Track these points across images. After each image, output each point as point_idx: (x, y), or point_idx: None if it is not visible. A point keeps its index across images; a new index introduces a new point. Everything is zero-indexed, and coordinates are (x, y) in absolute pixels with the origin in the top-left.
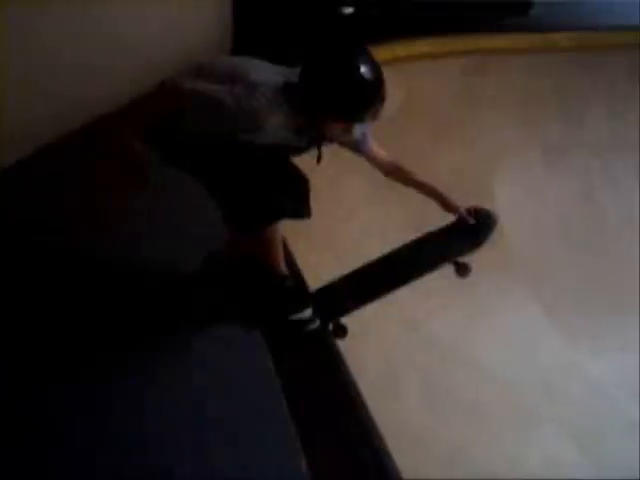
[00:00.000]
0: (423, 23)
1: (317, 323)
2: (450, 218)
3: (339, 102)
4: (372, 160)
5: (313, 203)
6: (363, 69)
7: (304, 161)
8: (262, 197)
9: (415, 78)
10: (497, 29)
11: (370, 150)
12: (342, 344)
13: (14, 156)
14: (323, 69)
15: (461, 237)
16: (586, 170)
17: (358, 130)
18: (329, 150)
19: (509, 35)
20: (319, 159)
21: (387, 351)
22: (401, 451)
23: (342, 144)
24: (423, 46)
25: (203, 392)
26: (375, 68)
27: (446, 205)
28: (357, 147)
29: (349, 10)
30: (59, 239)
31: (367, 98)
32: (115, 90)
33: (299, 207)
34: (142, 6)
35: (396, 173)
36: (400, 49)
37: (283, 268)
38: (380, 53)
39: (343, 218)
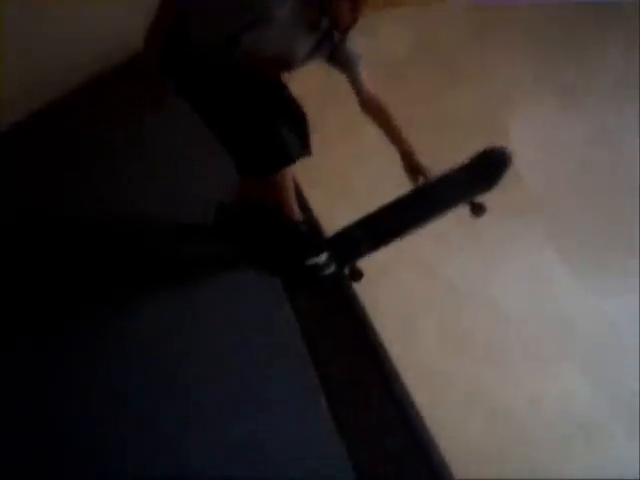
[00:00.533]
0: None
1: (333, 267)
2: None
3: None
4: (359, 85)
5: (328, 149)
6: None
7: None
8: (269, 142)
9: (425, 17)
10: None
11: (361, 73)
12: (359, 288)
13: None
14: None
15: (475, 176)
16: (602, 111)
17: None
18: (340, 93)
19: None
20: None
21: (403, 295)
22: (420, 390)
23: (339, 63)
24: None
25: (222, 340)
26: None
27: (412, 163)
28: (353, 62)
29: None
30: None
31: None
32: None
33: (304, 146)
34: None
35: (374, 107)
36: None
37: (297, 213)
38: None
39: (357, 164)
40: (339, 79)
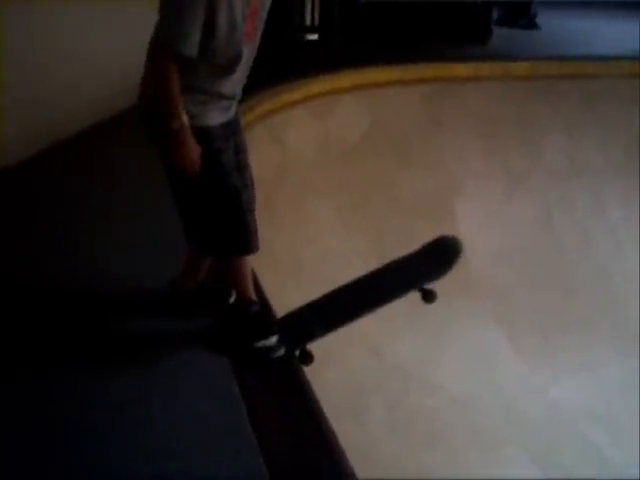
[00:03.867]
0: (384, 52)
1: (283, 350)
2: (411, 243)
3: None
4: None
5: (278, 230)
6: None
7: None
8: (241, 231)
9: (378, 105)
10: (457, 58)
11: None
12: (307, 368)
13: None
14: None
15: (427, 264)
16: (545, 195)
17: None
18: (294, 175)
19: (469, 64)
20: None
21: (351, 375)
22: (365, 475)
23: None
24: (385, 74)
25: (166, 418)
26: None
27: None
28: None
29: (314, 36)
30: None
31: None
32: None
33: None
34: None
35: None
36: (362, 77)
37: (251, 294)
38: (344, 81)
39: (307, 242)
40: (290, 163)
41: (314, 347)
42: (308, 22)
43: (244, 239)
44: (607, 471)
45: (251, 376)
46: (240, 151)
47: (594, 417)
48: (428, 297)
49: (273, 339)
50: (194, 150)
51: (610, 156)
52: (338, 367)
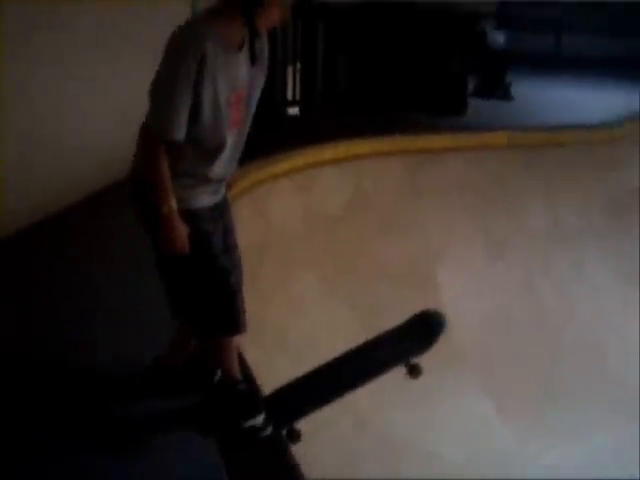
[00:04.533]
0: (364, 124)
1: (270, 430)
2: (399, 319)
3: None
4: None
5: (263, 302)
6: None
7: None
8: (229, 312)
9: (360, 176)
10: (435, 129)
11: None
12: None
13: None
14: None
15: (411, 339)
16: (527, 260)
17: None
18: (279, 247)
19: (447, 135)
20: (254, 59)
21: (339, 448)
22: None
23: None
24: (366, 146)
25: None
26: None
27: None
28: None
29: (295, 111)
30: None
31: None
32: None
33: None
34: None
35: None
36: (344, 149)
37: (237, 372)
38: (326, 153)
39: (292, 314)
40: (274, 235)
41: (301, 421)
42: (290, 97)
43: (232, 320)
44: None
45: (238, 456)
46: (228, 231)
47: None
48: (414, 372)
49: (260, 418)
50: (182, 233)
51: (589, 220)
52: (326, 440)
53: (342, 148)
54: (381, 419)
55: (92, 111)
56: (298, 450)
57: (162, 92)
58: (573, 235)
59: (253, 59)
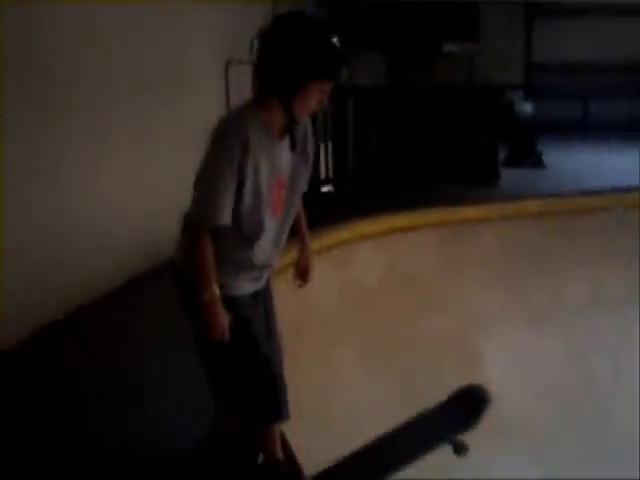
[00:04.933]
0: (397, 197)
1: None
2: (438, 389)
3: (320, 60)
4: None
5: (303, 379)
6: (323, 30)
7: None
8: (274, 399)
9: (396, 250)
10: (468, 200)
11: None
12: None
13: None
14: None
15: (455, 416)
16: (570, 331)
17: None
18: (316, 324)
19: (480, 206)
20: (294, 144)
21: None
22: None
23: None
24: (399, 220)
25: None
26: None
27: (306, 262)
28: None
29: (329, 188)
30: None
31: (342, 51)
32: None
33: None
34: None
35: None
36: (377, 224)
37: (278, 454)
38: (360, 229)
39: (332, 391)
40: (311, 313)
41: None
42: (323, 175)
43: (275, 408)
44: None
45: None
46: (269, 318)
47: None
48: (460, 450)
49: None
50: (224, 320)
51: (631, 285)
52: None
53: (376, 223)
54: None
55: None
56: None
57: (207, 179)
58: (616, 302)
59: (293, 145)
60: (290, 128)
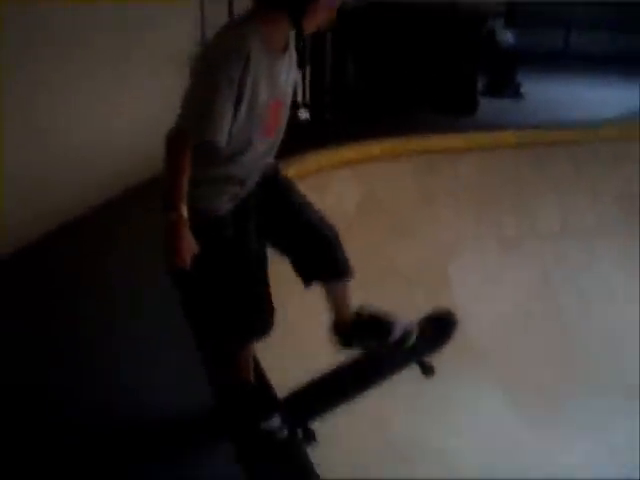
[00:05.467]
0: (374, 125)
1: (285, 431)
2: (409, 313)
3: None
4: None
5: (279, 301)
6: None
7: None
8: (234, 321)
9: (371, 179)
10: (446, 130)
11: None
12: (310, 448)
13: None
14: None
15: (424, 338)
16: (540, 258)
17: None
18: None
19: (457, 135)
20: (303, 63)
21: (356, 452)
22: None
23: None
24: (377, 148)
25: None
26: None
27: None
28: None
29: (305, 115)
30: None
31: None
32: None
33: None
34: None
35: None
36: (355, 152)
37: (249, 375)
38: (336, 156)
39: (307, 316)
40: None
41: (316, 426)
42: (300, 101)
43: (249, 328)
44: None
45: (255, 459)
46: (287, 210)
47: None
48: (427, 371)
49: (276, 420)
50: (187, 246)
51: (601, 216)
52: (342, 445)
53: (354, 150)
54: (397, 421)
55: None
56: (314, 452)
57: (203, 92)
58: (585, 233)
59: (302, 63)
60: (297, 44)
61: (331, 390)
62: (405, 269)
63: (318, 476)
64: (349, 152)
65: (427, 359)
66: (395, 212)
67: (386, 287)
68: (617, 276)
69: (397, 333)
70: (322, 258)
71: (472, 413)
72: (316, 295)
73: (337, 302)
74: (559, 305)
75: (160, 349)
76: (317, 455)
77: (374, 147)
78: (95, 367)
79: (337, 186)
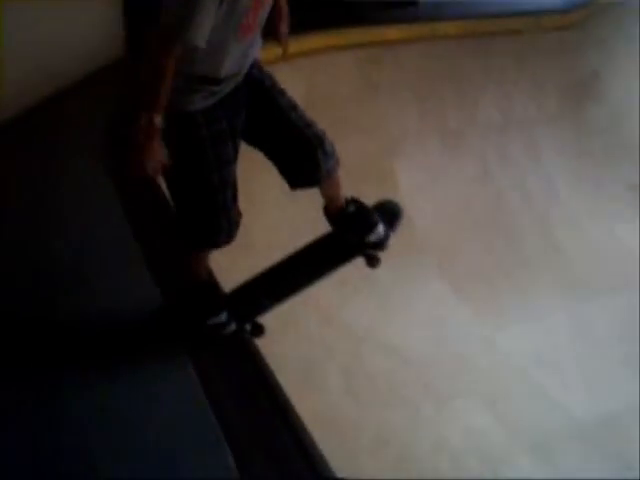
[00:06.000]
0: (315, 18)
1: (233, 326)
2: None
3: None
4: None
5: None
6: None
7: None
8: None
9: (312, 72)
10: (387, 21)
11: None
12: (260, 341)
13: None
14: None
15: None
16: (482, 150)
17: None
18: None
19: (399, 26)
20: None
21: (305, 344)
22: (327, 441)
23: None
24: (317, 41)
25: (128, 407)
26: None
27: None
28: None
29: None
30: None
31: None
32: None
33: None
34: None
35: None
36: (296, 45)
37: (202, 274)
38: (277, 50)
39: (255, 213)
40: None
41: (266, 319)
42: None
43: (213, 233)
44: (555, 414)
45: (205, 354)
46: (271, 109)
47: (542, 363)
48: (372, 262)
49: (223, 315)
50: (155, 156)
51: (542, 108)
52: (291, 337)
53: (294, 44)
54: (345, 312)
55: None
56: (265, 347)
57: None
58: (527, 123)
59: None
60: None
61: (276, 284)
62: (350, 164)
63: (267, 366)
64: (290, 46)
65: (372, 251)
66: (338, 107)
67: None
68: (558, 166)
69: (375, 236)
70: (305, 165)
71: (418, 302)
72: (263, 194)
73: (326, 194)
74: (500, 197)
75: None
76: (268, 350)
77: (314, 40)
78: (38, 268)
79: (279, 80)
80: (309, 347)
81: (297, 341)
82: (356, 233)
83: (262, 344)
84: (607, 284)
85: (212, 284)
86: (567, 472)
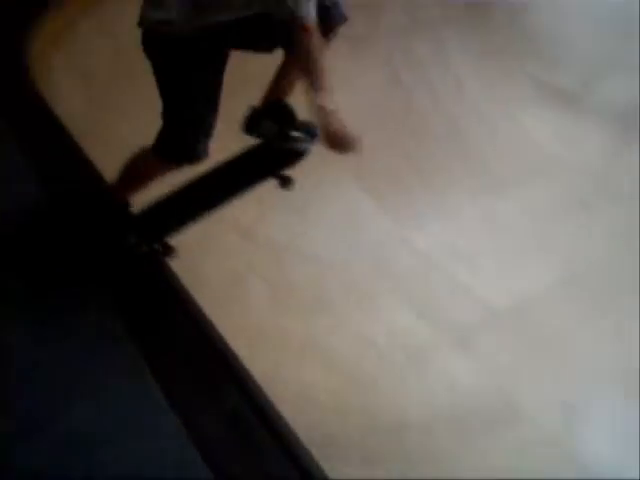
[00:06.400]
0: None
1: (143, 246)
2: None
3: None
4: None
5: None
6: None
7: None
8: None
9: None
10: None
11: None
12: (182, 261)
13: None
14: None
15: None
16: (389, 54)
17: None
18: (127, 67)
19: None
20: None
21: (226, 260)
22: (256, 353)
23: None
24: None
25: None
26: None
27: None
28: None
29: None
30: None
31: None
32: None
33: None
34: None
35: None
36: None
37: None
38: None
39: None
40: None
41: (186, 238)
42: None
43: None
44: (476, 306)
45: (120, 274)
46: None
47: (460, 258)
48: (285, 183)
49: (132, 237)
50: None
51: (446, 7)
52: (212, 256)
53: None
54: (264, 227)
55: None
56: (185, 268)
57: None
58: (433, 26)
59: None
60: None
61: (185, 205)
62: (256, 77)
63: (180, 282)
64: None
65: (286, 173)
66: None
67: (241, 96)
68: (464, 66)
69: (295, 133)
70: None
71: (333, 209)
72: None
73: (281, 73)
74: (410, 101)
75: None
76: (188, 269)
77: None
78: None
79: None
80: (231, 263)
81: (218, 258)
82: (278, 122)
83: (183, 266)
84: (516, 176)
85: (124, 206)
86: (487, 360)
